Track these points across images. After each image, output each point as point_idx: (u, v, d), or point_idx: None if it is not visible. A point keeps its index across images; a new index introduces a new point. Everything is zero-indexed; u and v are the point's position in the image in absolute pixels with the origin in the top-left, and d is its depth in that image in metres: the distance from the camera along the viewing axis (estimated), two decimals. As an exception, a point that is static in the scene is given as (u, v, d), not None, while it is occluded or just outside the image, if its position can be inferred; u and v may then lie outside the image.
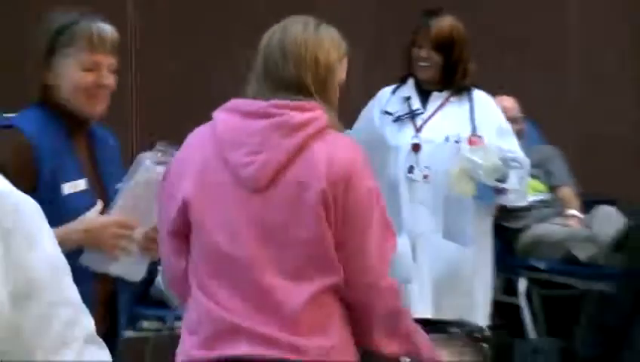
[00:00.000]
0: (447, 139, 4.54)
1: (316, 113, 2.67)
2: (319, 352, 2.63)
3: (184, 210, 2.70)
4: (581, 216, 6.16)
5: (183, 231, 2.75)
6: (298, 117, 2.63)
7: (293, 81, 2.74)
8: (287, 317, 2.65)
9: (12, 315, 1.85)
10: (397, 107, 4.67)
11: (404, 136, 4.59)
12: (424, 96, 4.66)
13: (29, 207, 1.95)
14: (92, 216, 3.28)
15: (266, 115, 2.64)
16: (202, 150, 2.71)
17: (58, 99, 3.24)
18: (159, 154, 3.28)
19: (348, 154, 2.68)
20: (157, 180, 3.15)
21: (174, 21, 6.35)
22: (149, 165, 3.24)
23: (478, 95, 4.65)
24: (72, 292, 1.97)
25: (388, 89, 4.75)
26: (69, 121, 3.26)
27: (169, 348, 4.53)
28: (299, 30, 2.82)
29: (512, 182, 4.47)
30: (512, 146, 4.61)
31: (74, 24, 3.26)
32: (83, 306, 1.97)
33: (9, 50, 5.79)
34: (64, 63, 3.24)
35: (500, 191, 4.44)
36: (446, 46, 4.57)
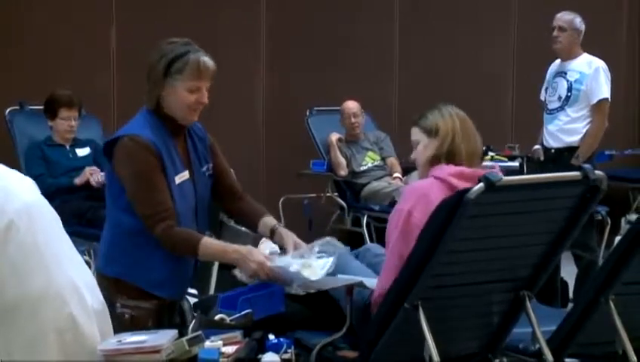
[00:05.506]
0: None
1: None
2: None
3: None
4: (402, 177, 6.77)
5: None
6: None
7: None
8: None
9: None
10: None
11: None
12: None
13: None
14: (260, 249, 3.40)
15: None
16: None
17: (165, 109, 3.39)
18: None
19: None
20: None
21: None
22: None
23: None
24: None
25: None
26: (170, 125, 3.40)
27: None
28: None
29: None
30: None
31: (185, 55, 3.35)
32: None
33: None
34: (174, 85, 3.35)
35: None
36: None
